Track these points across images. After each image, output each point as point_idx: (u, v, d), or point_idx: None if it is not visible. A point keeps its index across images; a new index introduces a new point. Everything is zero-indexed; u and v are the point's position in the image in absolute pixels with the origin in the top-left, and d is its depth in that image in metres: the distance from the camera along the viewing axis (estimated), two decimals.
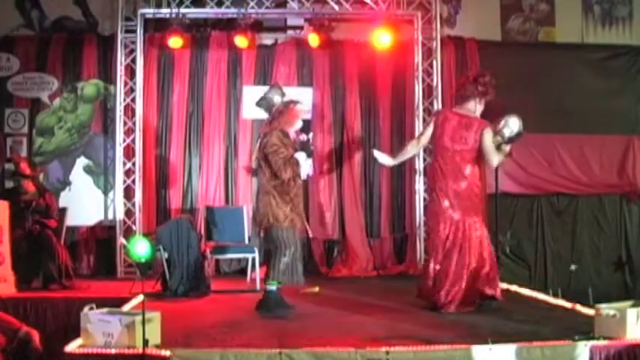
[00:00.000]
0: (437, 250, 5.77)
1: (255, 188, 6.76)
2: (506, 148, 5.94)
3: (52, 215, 7.39)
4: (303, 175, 6.14)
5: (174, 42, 8.19)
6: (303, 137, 6.24)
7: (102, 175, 8.57)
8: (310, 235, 6.90)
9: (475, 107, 5.89)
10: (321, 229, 8.65)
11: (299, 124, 6.19)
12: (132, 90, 8.40)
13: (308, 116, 8.54)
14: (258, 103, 6.51)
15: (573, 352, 4.26)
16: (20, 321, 5.16)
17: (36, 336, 4.96)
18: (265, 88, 7.21)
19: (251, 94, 8.15)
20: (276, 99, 6.30)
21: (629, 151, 9.13)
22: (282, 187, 5.94)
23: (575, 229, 9.12)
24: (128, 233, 8.14)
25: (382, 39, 8.33)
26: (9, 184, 8.08)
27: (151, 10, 8.34)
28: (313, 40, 8.29)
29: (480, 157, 5.81)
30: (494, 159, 5.81)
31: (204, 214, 8.11)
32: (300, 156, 5.99)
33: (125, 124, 8.40)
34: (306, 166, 6.06)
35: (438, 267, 5.74)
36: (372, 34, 8.39)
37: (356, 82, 8.81)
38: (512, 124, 5.90)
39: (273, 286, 5.82)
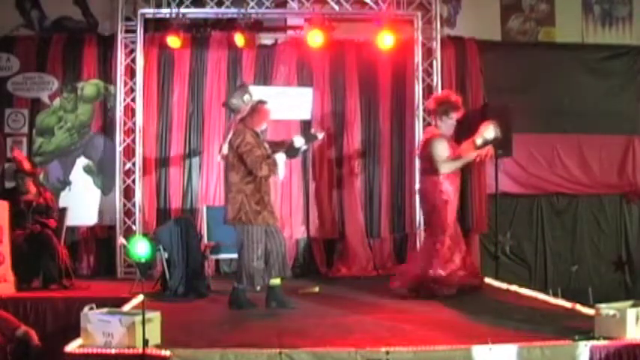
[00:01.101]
0: None
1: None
2: (484, 149, 6.55)
3: (52, 215, 7.39)
4: (281, 176, 6.19)
5: (172, 41, 8.17)
6: (316, 132, 6.46)
7: (102, 175, 8.57)
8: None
9: (440, 123, 6.67)
10: (321, 229, 8.65)
11: (265, 125, 6.31)
12: (132, 90, 8.39)
13: (308, 116, 8.56)
14: (227, 104, 6.48)
15: (573, 352, 4.26)
16: (19, 320, 5.17)
17: (34, 335, 4.98)
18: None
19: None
20: (246, 98, 6.32)
21: (629, 151, 9.14)
22: (253, 184, 5.98)
23: (575, 229, 9.13)
24: (128, 233, 8.14)
25: (384, 40, 8.33)
26: (9, 184, 8.08)
27: (151, 10, 8.33)
28: (315, 37, 8.24)
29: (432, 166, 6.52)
30: (441, 167, 6.46)
31: (204, 214, 8.10)
32: (280, 157, 6.04)
33: (125, 124, 8.39)
34: (283, 167, 6.11)
35: None
36: (377, 35, 8.35)
37: (356, 82, 8.80)
38: (492, 130, 6.58)
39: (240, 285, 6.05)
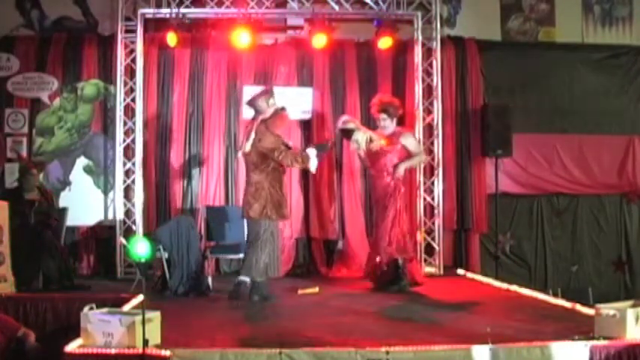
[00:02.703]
0: None
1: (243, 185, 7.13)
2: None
3: (52, 215, 7.39)
4: (313, 169, 6.67)
5: (170, 39, 8.14)
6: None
7: (102, 175, 8.57)
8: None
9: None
10: (321, 229, 8.64)
11: (282, 131, 6.67)
12: (132, 90, 8.39)
13: (308, 116, 8.56)
14: (254, 105, 6.63)
15: (573, 352, 4.26)
16: (18, 322, 5.17)
17: (32, 335, 4.98)
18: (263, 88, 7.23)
19: (251, 94, 8.12)
20: (271, 102, 6.58)
21: (629, 151, 9.15)
22: (278, 182, 6.41)
23: (575, 229, 9.13)
24: (128, 233, 8.14)
25: (383, 41, 8.34)
26: (9, 184, 8.08)
27: (151, 10, 8.33)
28: (318, 39, 8.24)
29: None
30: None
31: (204, 214, 8.11)
32: (312, 152, 6.56)
33: (125, 124, 8.39)
34: (315, 160, 6.58)
35: None
36: (376, 36, 8.37)
37: (356, 82, 8.80)
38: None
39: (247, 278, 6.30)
